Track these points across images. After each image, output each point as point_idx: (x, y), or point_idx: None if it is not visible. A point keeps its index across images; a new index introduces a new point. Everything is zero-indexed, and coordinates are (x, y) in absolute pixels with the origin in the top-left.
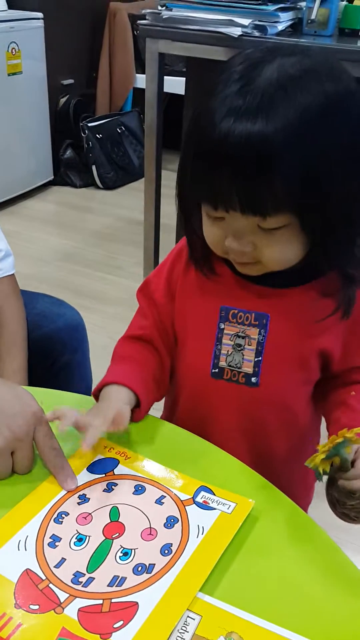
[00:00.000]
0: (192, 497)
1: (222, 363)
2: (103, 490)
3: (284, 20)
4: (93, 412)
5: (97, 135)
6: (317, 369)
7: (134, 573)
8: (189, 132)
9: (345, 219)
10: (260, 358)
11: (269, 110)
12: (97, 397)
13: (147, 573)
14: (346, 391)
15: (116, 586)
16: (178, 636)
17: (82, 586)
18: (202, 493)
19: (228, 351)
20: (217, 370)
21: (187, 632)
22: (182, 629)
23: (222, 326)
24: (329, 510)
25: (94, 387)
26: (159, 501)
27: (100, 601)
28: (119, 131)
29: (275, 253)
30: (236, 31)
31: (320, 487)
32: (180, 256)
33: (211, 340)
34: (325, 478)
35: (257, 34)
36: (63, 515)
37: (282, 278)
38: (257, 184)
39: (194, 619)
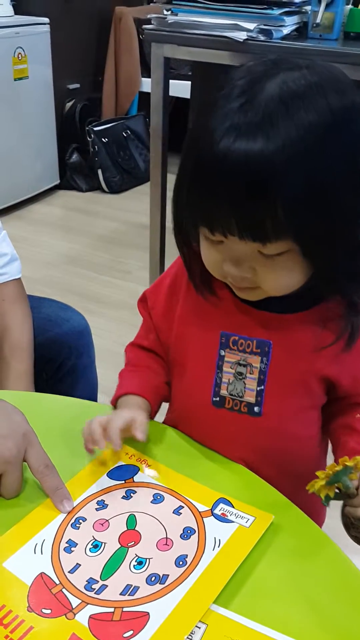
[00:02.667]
0: (211, 509)
1: (224, 391)
2: (122, 497)
3: (289, 24)
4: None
5: (103, 139)
6: (323, 394)
7: (147, 583)
8: (187, 150)
9: (349, 244)
10: (262, 387)
11: (270, 129)
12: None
13: (160, 584)
14: (352, 414)
15: (128, 595)
16: None
17: (95, 593)
18: (221, 505)
19: (229, 379)
20: (218, 398)
21: None
22: (187, 637)
23: (223, 353)
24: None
25: (99, 391)
26: (177, 511)
27: (112, 609)
28: (125, 135)
29: (276, 279)
30: (241, 35)
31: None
32: (181, 276)
33: (211, 367)
34: (332, 502)
35: (262, 38)
36: (80, 521)
37: (284, 303)
38: (257, 208)
39: (199, 628)
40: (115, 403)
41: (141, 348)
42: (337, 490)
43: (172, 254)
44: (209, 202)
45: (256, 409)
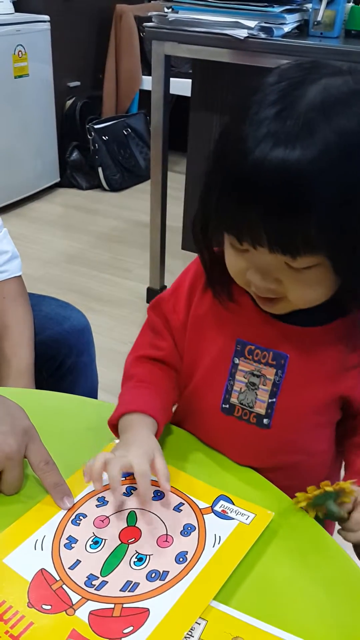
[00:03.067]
0: (211, 506)
1: (234, 399)
2: (122, 494)
3: (290, 22)
4: (135, 453)
5: (104, 137)
6: (338, 411)
7: (147, 579)
8: (217, 157)
9: None
10: (274, 399)
11: (310, 138)
12: (114, 423)
13: (160, 580)
14: None
15: (129, 591)
16: None
17: (95, 589)
18: (221, 502)
19: (241, 388)
20: (227, 405)
21: (193, 636)
22: (187, 633)
23: (237, 361)
24: None
25: (99, 389)
26: (177, 508)
27: (112, 605)
28: (125, 133)
29: (303, 293)
30: (242, 33)
31: None
32: (198, 279)
33: (224, 373)
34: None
35: (263, 35)
36: (81, 517)
37: (305, 315)
38: (290, 222)
39: (199, 624)
40: (116, 422)
41: (149, 360)
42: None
43: (173, 252)
44: (240, 211)
45: (265, 421)
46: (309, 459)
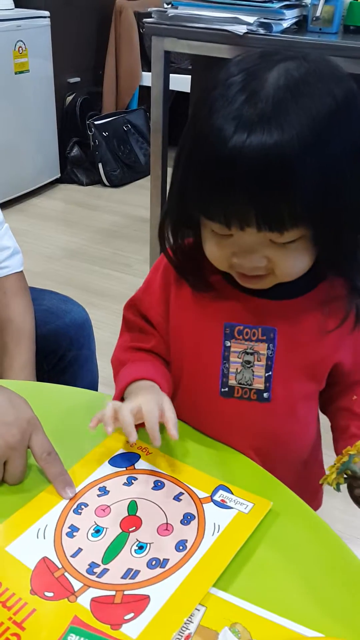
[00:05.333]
0: (210, 496)
1: (232, 381)
2: (123, 484)
3: (289, 17)
4: (143, 398)
5: (104, 133)
6: (324, 379)
7: (147, 567)
8: (188, 154)
9: (355, 228)
10: (270, 373)
11: (283, 119)
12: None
13: (160, 567)
14: (350, 395)
15: (129, 579)
16: (183, 626)
17: (97, 577)
18: (221, 492)
19: (237, 369)
20: (226, 389)
21: (192, 622)
22: (187, 619)
23: (229, 344)
24: (335, 505)
25: (99, 382)
26: (177, 498)
27: (113, 592)
28: (125, 129)
29: (290, 265)
30: (241, 29)
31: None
32: (170, 273)
33: (217, 359)
34: (343, 487)
35: (262, 31)
36: (82, 507)
37: (283, 289)
38: (276, 199)
39: (198, 610)
40: (119, 398)
41: (139, 350)
42: (345, 476)
43: None
44: (227, 197)
45: (265, 394)
46: (302, 430)
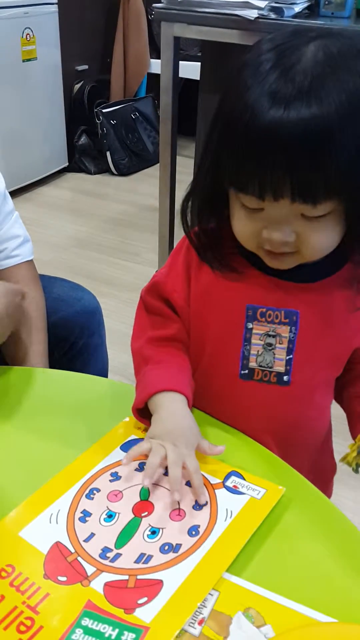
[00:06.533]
0: (223, 481)
1: (252, 364)
2: (135, 470)
3: (301, 2)
4: (184, 445)
5: (112, 122)
6: (343, 365)
7: (160, 552)
8: (221, 132)
9: None
10: (291, 356)
11: (321, 92)
12: (140, 407)
13: (173, 552)
14: None
15: (142, 563)
16: (197, 611)
17: (110, 561)
18: (233, 478)
19: (258, 351)
20: (247, 371)
21: (206, 607)
22: (200, 604)
23: (250, 326)
24: (346, 496)
25: (110, 369)
26: (189, 483)
27: (126, 577)
28: (134, 117)
29: (319, 240)
30: (252, 13)
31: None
32: (190, 254)
33: (238, 340)
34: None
35: (273, 16)
36: (95, 492)
37: (306, 272)
38: (313, 170)
39: (212, 595)
40: (142, 406)
41: (161, 340)
42: None
43: (181, 235)
44: (264, 168)
45: (285, 378)
46: (319, 415)
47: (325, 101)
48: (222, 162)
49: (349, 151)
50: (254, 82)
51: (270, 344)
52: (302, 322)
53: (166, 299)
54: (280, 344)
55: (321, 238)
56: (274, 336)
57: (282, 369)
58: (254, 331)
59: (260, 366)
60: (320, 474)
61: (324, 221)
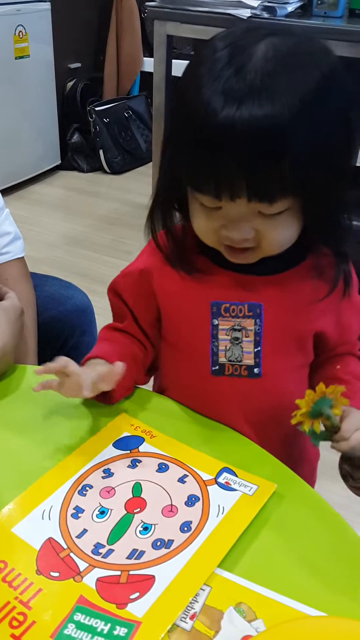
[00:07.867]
0: (215, 478)
1: (222, 359)
2: (127, 466)
3: (294, 1)
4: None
5: (105, 120)
6: (312, 351)
7: (152, 547)
8: (178, 131)
9: (340, 196)
10: (259, 348)
11: (273, 90)
12: None
13: (165, 548)
14: (332, 366)
15: (134, 559)
16: (188, 606)
17: (102, 557)
18: (225, 474)
19: (226, 346)
20: (217, 367)
21: (197, 602)
22: (192, 599)
23: (216, 322)
24: (334, 491)
25: None
26: (181, 480)
27: (118, 572)
28: (126, 115)
29: (277, 237)
30: (245, 13)
31: (321, 469)
32: (154, 257)
33: (206, 337)
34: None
35: (266, 15)
36: (87, 488)
37: (268, 265)
38: (267, 169)
39: (203, 590)
40: None
41: (114, 330)
42: (322, 429)
43: None
44: (219, 168)
45: (256, 370)
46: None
47: (277, 99)
48: (179, 161)
49: (303, 148)
50: (209, 80)
51: (237, 338)
52: (267, 314)
53: (120, 296)
54: (246, 337)
55: (280, 234)
56: (239, 330)
57: (251, 361)
58: (220, 327)
59: (230, 361)
60: (303, 461)
61: (282, 217)
